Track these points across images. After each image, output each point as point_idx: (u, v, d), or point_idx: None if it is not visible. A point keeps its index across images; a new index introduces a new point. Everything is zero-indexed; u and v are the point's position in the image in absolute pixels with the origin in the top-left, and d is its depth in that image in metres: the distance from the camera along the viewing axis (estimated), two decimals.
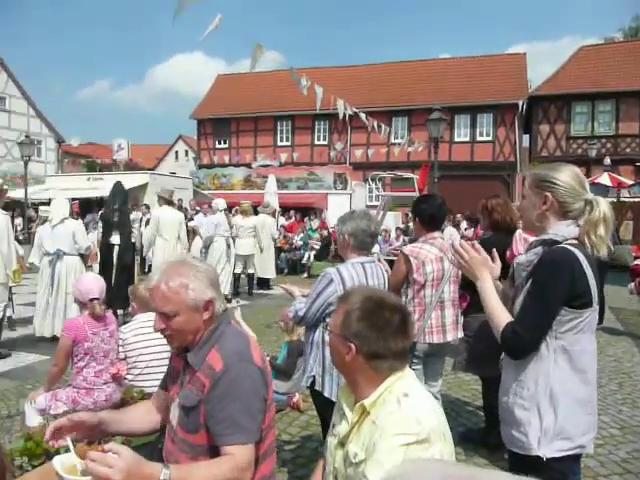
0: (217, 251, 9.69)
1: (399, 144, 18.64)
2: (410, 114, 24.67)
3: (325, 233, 16.51)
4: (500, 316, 1.87)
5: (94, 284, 3.28)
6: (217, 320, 1.80)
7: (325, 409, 2.69)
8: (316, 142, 26.58)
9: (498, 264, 2.02)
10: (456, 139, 24.33)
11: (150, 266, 9.40)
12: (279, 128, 27.14)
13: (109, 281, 6.71)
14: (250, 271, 10.74)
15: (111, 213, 7.55)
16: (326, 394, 2.68)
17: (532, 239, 2.02)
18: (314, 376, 2.73)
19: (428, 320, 3.20)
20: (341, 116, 10.00)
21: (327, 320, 2.64)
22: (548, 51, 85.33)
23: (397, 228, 15.72)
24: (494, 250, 2.05)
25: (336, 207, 22.80)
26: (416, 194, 12.06)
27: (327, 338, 2.61)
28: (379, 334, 1.51)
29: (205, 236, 9.95)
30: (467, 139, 24.35)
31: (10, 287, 7.07)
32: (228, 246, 9.86)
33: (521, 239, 3.38)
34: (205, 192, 22.81)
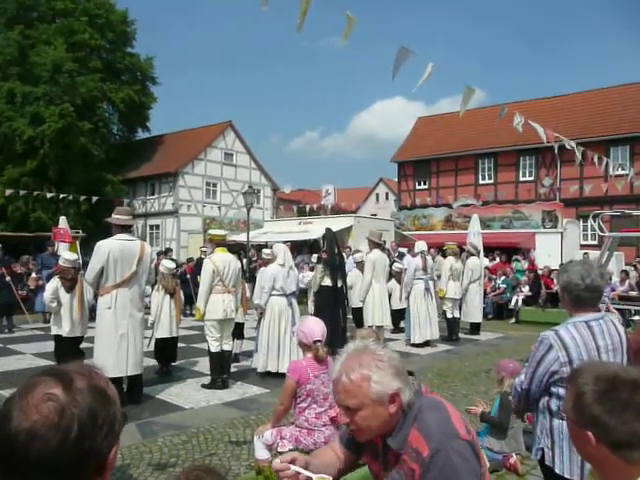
0: (417, 294, 9.51)
1: (626, 176, 16.55)
2: (633, 142, 22.08)
3: (533, 275, 15.35)
4: None
5: (317, 327, 3.44)
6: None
7: None
8: (521, 178, 25.17)
9: None
10: None
11: (357, 310, 9.57)
12: (481, 166, 26.37)
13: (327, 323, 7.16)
14: (456, 315, 10.42)
15: (334, 257, 8.00)
16: (557, 470, 2.33)
17: None
18: (543, 449, 2.41)
19: None
20: (579, 155, 9.26)
21: (552, 389, 2.37)
22: None
23: (622, 271, 13.90)
24: None
25: (545, 247, 21.18)
26: None
27: (553, 406, 2.36)
28: (618, 419, 1.25)
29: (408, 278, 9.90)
30: None
31: (242, 324, 7.82)
32: (427, 289, 9.53)
33: None
34: (406, 233, 23.07)
